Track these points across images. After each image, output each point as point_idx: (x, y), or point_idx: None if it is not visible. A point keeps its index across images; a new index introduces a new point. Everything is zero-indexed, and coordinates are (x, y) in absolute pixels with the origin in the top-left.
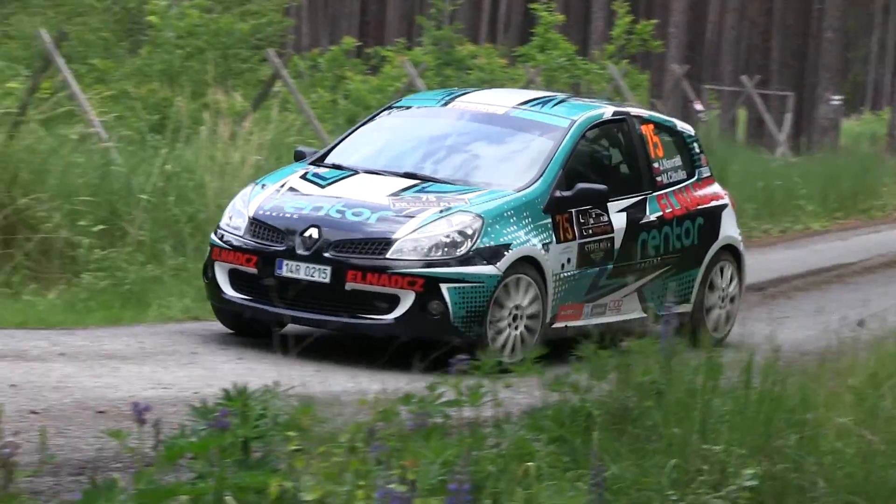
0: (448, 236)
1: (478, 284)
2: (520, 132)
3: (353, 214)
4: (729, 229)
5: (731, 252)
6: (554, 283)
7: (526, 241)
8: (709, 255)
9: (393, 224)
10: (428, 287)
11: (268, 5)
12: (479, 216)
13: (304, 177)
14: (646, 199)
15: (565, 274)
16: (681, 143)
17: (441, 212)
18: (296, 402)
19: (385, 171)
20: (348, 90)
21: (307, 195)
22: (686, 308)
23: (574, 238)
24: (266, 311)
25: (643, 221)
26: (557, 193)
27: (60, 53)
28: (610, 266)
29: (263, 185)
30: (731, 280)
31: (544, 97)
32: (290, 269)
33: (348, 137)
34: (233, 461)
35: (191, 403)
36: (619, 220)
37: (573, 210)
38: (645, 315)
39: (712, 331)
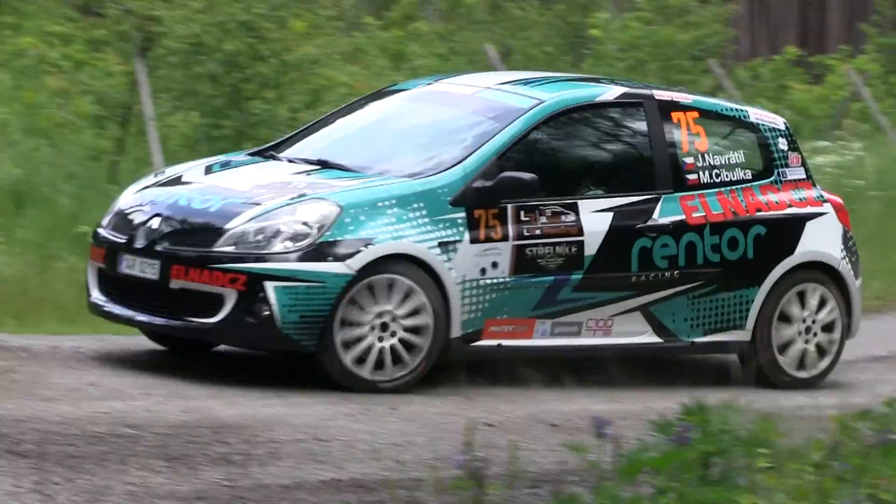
0: (288, 226)
1: (317, 285)
2: (473, 114)
3: (202, 202)
4: (817, 244)
5: (824, 272)
6: (464, 291)
7: (402, 236)
8: (775, 275)
9: (232, 211)
10: (251, 285)
11: (709, 16)
12: (337, 205)
13: (209, 166)
14: (658, 199)
15: (488, 281)
16: (752, 138)
17: (292, 199)
18: (753, 417)
19: (300, 160)
20: (791, 100)
21: (183, 184)
22: (739, 336)
23: (505, 238)
24: (116, 315)
25: (643, 225)
26: (479, 184)
27: (506, 68)
28: (577, 276)
29: (157, 174)
30: (821, 306)
31: (546, 77)
32: (128, 265)
33: (324, 125)
34: (693, 477)
35: (644, 417)
36: (597, 222)
37: (509, 205)
38: (660, 340)
39: (795, 370)
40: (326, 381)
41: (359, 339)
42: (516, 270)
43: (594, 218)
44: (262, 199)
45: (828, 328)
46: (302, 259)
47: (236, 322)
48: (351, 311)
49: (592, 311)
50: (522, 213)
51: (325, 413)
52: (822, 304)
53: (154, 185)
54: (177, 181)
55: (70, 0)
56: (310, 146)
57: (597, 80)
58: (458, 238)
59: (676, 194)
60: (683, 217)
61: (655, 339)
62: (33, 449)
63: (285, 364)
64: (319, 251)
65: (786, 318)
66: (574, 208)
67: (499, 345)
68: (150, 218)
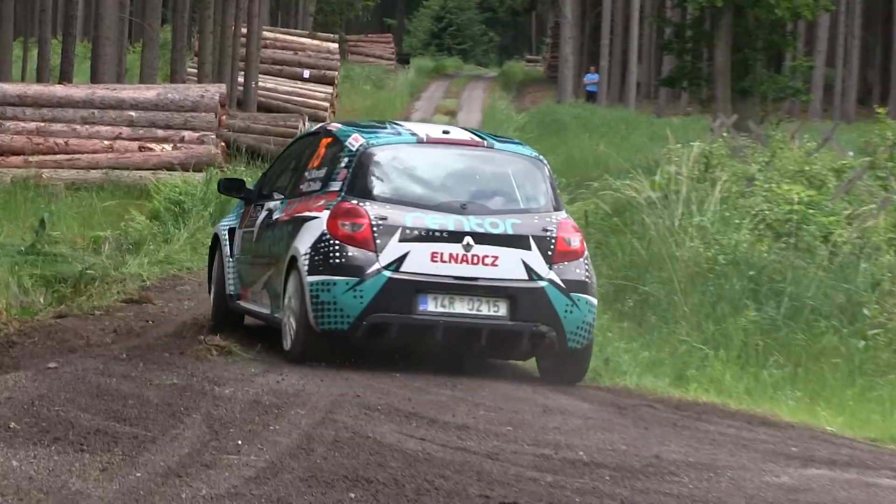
0: None
1: None
2: None
3: None
4: (299, 243)
5: (295, 266)
6: (230, 264)
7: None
8: (285, 264)
9: None
10: None
11: None
12: None
13: None
14: (282, 200)
15: (236, 258)
16: (336, 157)
17: None
18: None
19: None
20: None
21: None
22: (283, 316)
23: (242, 227)
24: None
25: (271, 220)
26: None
27: None
28: (249, 257)
29: None
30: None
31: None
32: None
33: None
34: None
35: None
36: (261, 216)
37: (257, 202)
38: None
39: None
40: None
41: None
42: (242, 252)
43: (263, 213)
44: None
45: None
46: None
47: None
48: None
49: (254, 286)
50: (252, 208)
51: None
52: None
53: None
54: None
55: None
56: None
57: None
58: (236, 225)
59: (288, 199)
60: (281, 215)
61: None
62: None
63: None
64: None
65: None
66: (262, 205)
67: (242, 305)
68: None
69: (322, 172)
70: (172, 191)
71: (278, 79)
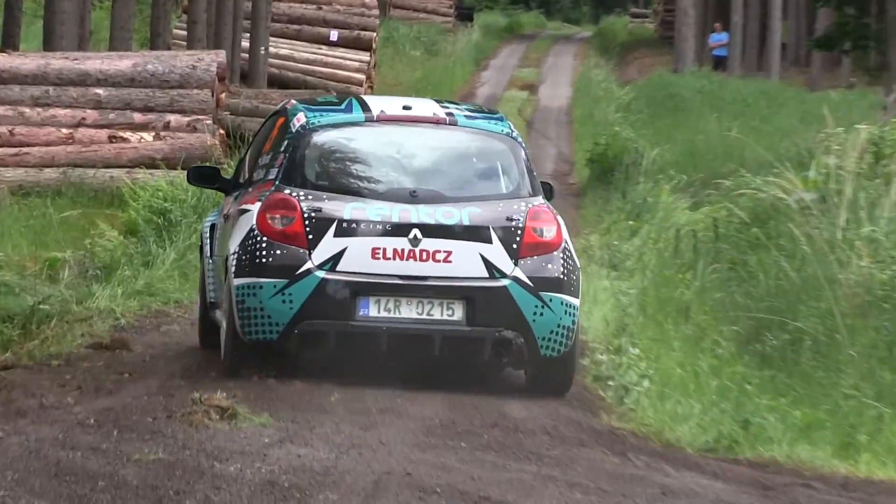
0: None
1: None
2: None
3: None
4: (231, 241)
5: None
6: (209, 266)
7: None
8: (224, 266)
9: None
10: None
11: None
12: None
13: None
14: (239, 191)
15: (214, 258)
16: (280, 139)
17: None
18: None
19: None
20: None
21: None
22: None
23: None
24: None
25: (227, 214)
26: None
27: None
28: (221, 258)
29: None
30: None
31: None
32: None
33: None
34: None
35: None
36: (233, 209)
37: (234, 192)
38: None
39: None
40: None
41: None
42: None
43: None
44: None
45: None
46: None
47: None
48: None
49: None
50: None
51: None
52: None
53: None
54: None
55: None
56: None
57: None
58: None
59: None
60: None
61: None
62: None
63: None
64: None
65: None
66: None
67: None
68: None
69: (268, 158)
70: (154, 196)
71: (296, 43)
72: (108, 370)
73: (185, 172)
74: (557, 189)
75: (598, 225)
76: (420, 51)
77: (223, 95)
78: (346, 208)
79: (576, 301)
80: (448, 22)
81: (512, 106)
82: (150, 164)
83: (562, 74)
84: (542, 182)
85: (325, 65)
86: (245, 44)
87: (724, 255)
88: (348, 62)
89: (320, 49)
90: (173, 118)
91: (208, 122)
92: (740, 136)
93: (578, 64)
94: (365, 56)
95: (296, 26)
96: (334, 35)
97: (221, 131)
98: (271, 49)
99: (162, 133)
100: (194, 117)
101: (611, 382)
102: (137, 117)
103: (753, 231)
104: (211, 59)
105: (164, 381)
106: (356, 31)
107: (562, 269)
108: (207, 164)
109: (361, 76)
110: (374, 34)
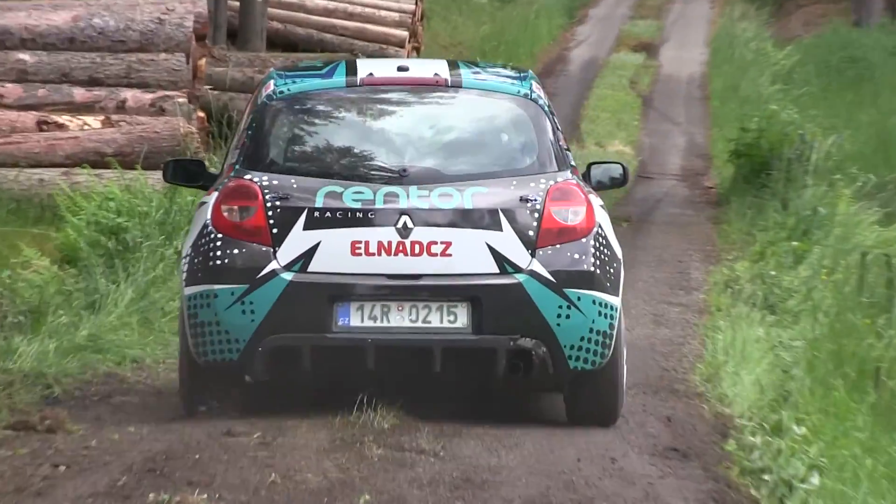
0: None
1: None
2: None
3: None
4: (186, 241)
5: None
6: None
7: None
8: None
9: None
10: None
11: None
12: None
13: None
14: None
15: None
16: (247, 114)
17: None
18: None
19: None
20: None
21: None
22: None
23: None
24: None
25: None
26: None
27: None
28: None
29: None
30: None
31: None
32: None
33: None
34: None
35: None
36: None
37: None
38: None
39: None
40: None
41: None
42: None
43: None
44: None
45: None
46: None
47: None
48: None
49: None
50: None
51: None
52: None
53: None
54: None
55: None
56: None
57: None
58: None
59: None
60: None
61: None
62: None
63: None
64: None
65: None
66: None
67: None
68: None
69: (234, 139)
70: (103, 208)
71: None
72: (35, 461)
73: (155, 170)
74: (686, 195)
75: (746, 247)
76: None
77: (203, 62)
78: (318, 194)
79: (614, 300)
80: None
81: (622, 75)
82: (98, 160)
83: (693, 30)
84: (614, 163)
85: (351, 16)
86: None
87: None
88: (383, 13)
89: None
90: (130, 95)
91: (181, 99)
92: None
93: (716, 14)
94: (408, 4)
95: None
96: None
97: (201, 113)
98: None
99: (114, 117)
100: (161, 94)
101: (766, 477)
102: (79, 94)
103: None
104: (185, 10)
105: (116, 476)
106: None
107: (593, 260)
108: (190, 157)
109: (403, 33)
110: None
